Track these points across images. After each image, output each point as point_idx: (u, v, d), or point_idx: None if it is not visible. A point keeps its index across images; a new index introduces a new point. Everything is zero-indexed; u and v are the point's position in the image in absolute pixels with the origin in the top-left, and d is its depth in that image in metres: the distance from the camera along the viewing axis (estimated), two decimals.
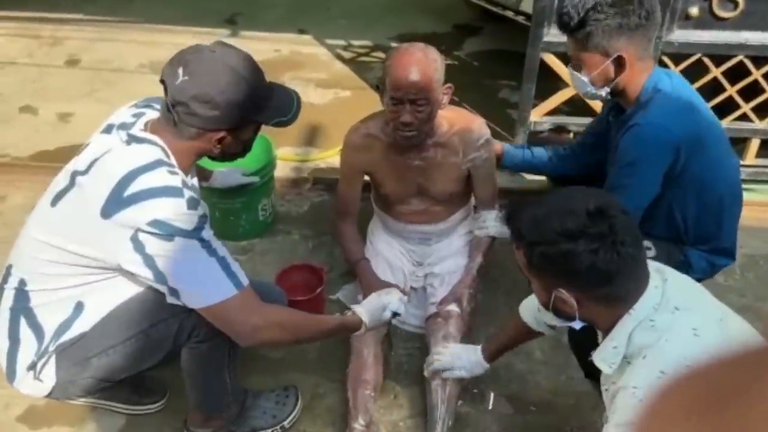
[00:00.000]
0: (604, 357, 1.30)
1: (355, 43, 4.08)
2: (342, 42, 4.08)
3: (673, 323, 1.23)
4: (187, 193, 1.46)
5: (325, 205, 2.81)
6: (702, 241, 1.98)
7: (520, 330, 1.78)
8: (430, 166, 2.10)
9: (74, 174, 1.52)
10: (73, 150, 1.68)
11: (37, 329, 1.60)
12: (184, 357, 1.67)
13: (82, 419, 1.95)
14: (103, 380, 1.67)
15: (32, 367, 1.61)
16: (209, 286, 1.48)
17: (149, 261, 1.44)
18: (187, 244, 1.44)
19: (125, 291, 1.59)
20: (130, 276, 1.51)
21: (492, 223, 2.16)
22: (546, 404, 2.02)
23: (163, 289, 1.48)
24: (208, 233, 1.49)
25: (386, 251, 2.26)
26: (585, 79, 1.85)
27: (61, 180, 1.57)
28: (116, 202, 1.42)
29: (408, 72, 1.85)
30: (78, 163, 1.55)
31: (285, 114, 1.64)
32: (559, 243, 1.21)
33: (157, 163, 1.47)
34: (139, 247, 1.43)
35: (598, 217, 1.20)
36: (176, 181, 1.46)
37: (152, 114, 1.60)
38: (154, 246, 1.43)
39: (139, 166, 1.45)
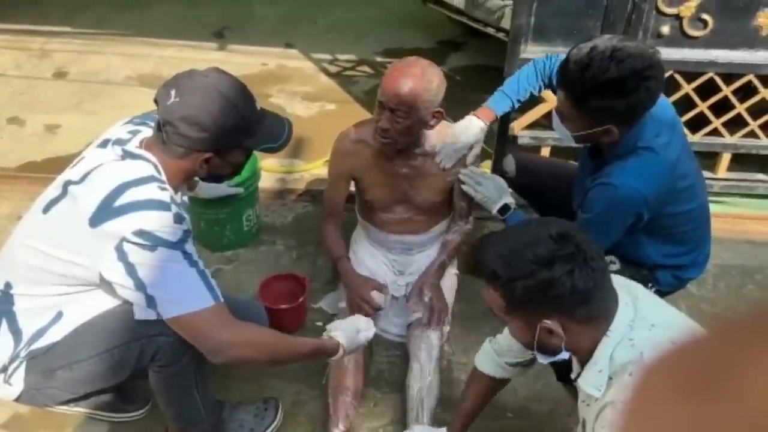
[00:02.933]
0: (591, 382, 1.30)
1: (341, 57, 4.15)
2: (328, 56, 4.15)
3: (651, 339, 1.26)
4: (174, 209, 1.50)
5: (309, 215, 2.86)
6: (668, 265, 1.99)
7: (482, 386, 1.73)
8: (416, 174, 2.14)
9: (67, 183, 1.55)
10: (61, 161, 1.73)
11: (16, 333, 1.62)
12: (150, 377, 1.69)
13: (65, 426, 1.97)
14: (68, 392, 1.69)
15: (3, 370, 1.63)
16: (186, 295, 1.49)
17: (130, 269, 1.46)
18: (170, 254, 1.47)
19: (102, 306, 1.62)
20: (109, 288, 1.53)
21: (489, 189, 2.10)
22: (522, 411, 2.06)
23: (140, 298, 1.49)
24: (190, 247, 1.52)
25: (369, 260, 2.31)
26: (567, 132, 1.82)
27: (53, 189, 1.60)
28: (105, 211, 1.46)
29: (397, 82, 1.89)
30: (72, 173, 1.58)
31: (275, 141, 1.69)
32: (537, 272, 1.22)
33: (148, 179, 1.51)
34: (122, 256, 1.45)
35: (563, 240, 1.23)
36: (165, 196, 1.51)
37: (148, 131, 1.65)
38: (137, 255, 1.45)
39: (131, 180, 1.49)
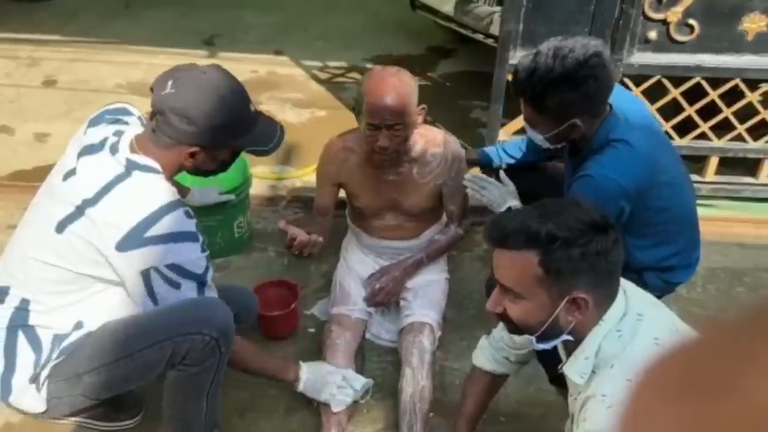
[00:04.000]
0: (576, 369, 1.31)
1: (331, 64, 4.16)
2: (318, 63, 4.16)
3: (637, 331, 1.26)
4: (200, 237, 1.58)
5: (300, 222, 2.85)
6: (656, 267, 1.99)
7: (482, 384, 1.73)
8: (404, 181, 2.15)
9: (83, 204, 1.54)
10: (51, 170, 1.71)
11: (35, 343, 1.62)
12: (169, 377, 1.69)
13: None
14: (91, 397, 1.68)
15: (34, 379, 1.62)
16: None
17: (152, 296, 1.57)
18: (189, 287, 1.58)
19: (123, 309, 1.64)
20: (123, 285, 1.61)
21: (494, 193, 2.07)
22: (515, 415, 2.07)
23: (146, 307, 1.59)
24: (210, 274, 1.62)
25: (359, 268, 2.32)
26: (539, 136, 1.88)
27: (58, 205, 1.58)
28: (135, 240, 1.51)
29: (384, 99, 1.90)
30: (78, 186, 1.57)
31: (265, 144, 1.70)
32: (594, 239, 1.19)
33: (175, 204, 1.56)
34: (147, 281, 1.55)
35: (600, 221, 1.22)
36: (192, 225, 1.58)
37: (129, 130, 1.65)
38: (162, 288, 1.56)
39: (158, 208, 1.53)
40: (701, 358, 0.32)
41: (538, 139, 1.88)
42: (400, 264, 2.25)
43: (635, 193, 1.78)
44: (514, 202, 2.07)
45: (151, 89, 1.57)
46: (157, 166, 1.58)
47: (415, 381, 2.00)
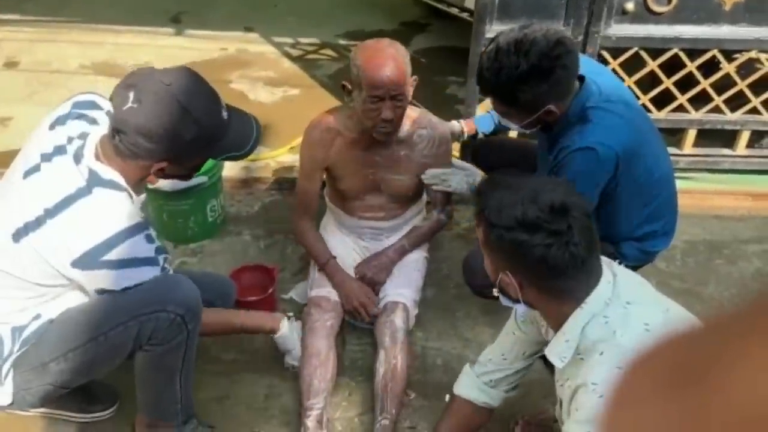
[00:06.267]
0: (556, 351, 1.32)
1: (303, 40, 4.07)
2: (290, 40, 4.07)
3: (625, 318, 1.27)
4: (161, 260, 1.55)
5: (276, 204, 2.80)
6: (635, 236, 2.00)
7: (459, 415, 1.71)
8: (390, 162, 2.12)
9: (44, 213, 1.48)
10: (14, 155, 1.63)
11: None
12: (138, 360, 1.66)
13: (32, 429, 1.90)
14: (61, 387, 1.64)
15: None
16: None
17: (100, 292, 1.54)
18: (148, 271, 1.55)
19: (81, 297, 1.60)
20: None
21: (457, 179, 2.14)
22: None
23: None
24: (162, 259, 1.59)
25: (339, 248, 2.27)
26: (514, 126, 1.88)
27: (17, 212, 1.51)
28: (90, 262, 1.47)
29: (385, 69, 1.87)
30: (40, 190, 1.51)
31: (239, 149, 1.65)
32: (515, 231, 1.24)
33: (134, 229, 1.50)
34: (100, 291, 1.54)
35: (559, 214, 1.23)
36: (151, 249, 1.54)
37: (95, 132, 1.57)
38: (113, 289, 1.54)
39: (117, 233, 1.48)
40: (694, 350, 0.32)
41: (514, 128, 1.89)
42: (384, 252, 2.22)
43: (624, 156, 1.78)
44: (479, 177, 2.13)
45: (110, 100, 1.49)
46: (120, 180, 1.52)
47: (387, 361, 1.98)
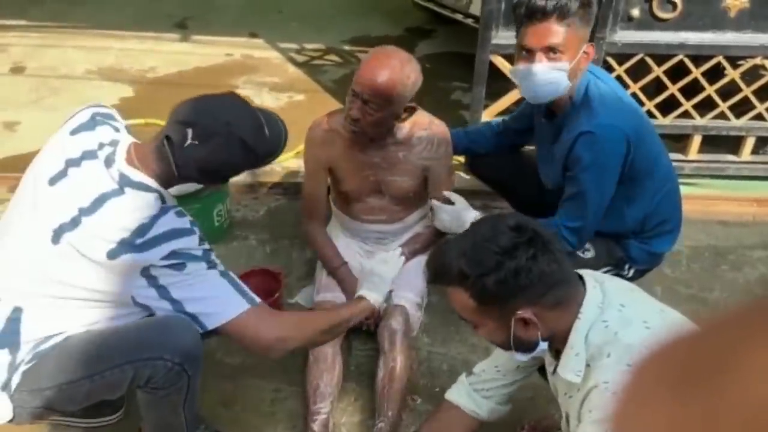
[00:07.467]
0: (570, 367, 1.30)
1: (308, 46, 4.08)
2: (294, 45, 4.08)
3: (624, 319, 1.28)
4: (198, 230, 1.53)
5: (281, 208, 2.81)
6: (643, 230, 2.03)
7: (443, 417, 1.69)
8: (390, 164, 2.12)
9: (79, 212, 1.48)
10: (22, 159, 1.64)
11: (14, 346, 1.54)
12: (139, 395, 1.64)
13: None
14: (54, 411, 1.62)
15: (5, 386, 1.54)
16: (221, 305, 1.53)
17: (164, 293, 1.49)
18: (198, 268, 1.50)
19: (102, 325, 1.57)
20: (144, 308, 1.54)
21: (445, 221, 2.14)
22: None
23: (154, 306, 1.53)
24: (215, 258, 1.56)
25: (345, 252, 2.27)
26: (566, 65, 1.79)
27: (55, 212, 1.51)
28: (127, 247, 1.45)
29: (373, 73, 1.87)
30: (72, 192, 1.51)
31: (274, 157, 1.72)
32: (504, 263, 1.24)
33: (165, 209, 1.52)
34: (152, 281, 1.48)
35: (520, 229, 1.27)
36: (186, 221, 1.52)
37: (123, 138, 1.59)
38: (168, 277, 1.48)
39: (150, 217, 1.48)
40: (699, 352, 0.32)
41: (561, 76, 1.80)
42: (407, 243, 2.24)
43: (632, 133, 1.82)
44: (472, 215, 2.08)
45: (167, 137, 1.51)
46: (151, 182, 1.53)
47: (386, 364, 1.97)
